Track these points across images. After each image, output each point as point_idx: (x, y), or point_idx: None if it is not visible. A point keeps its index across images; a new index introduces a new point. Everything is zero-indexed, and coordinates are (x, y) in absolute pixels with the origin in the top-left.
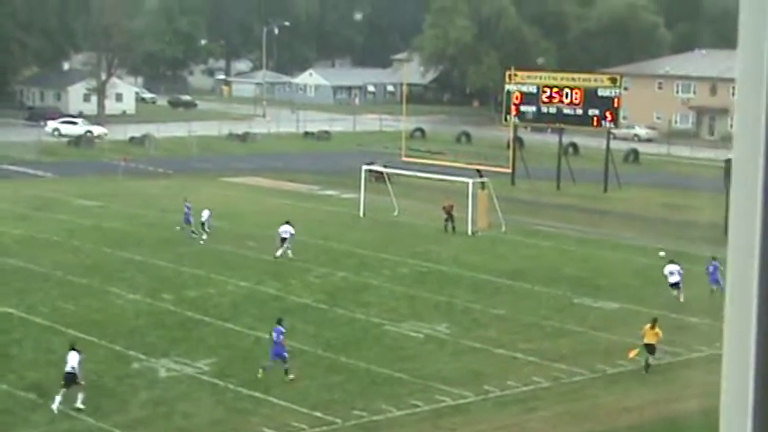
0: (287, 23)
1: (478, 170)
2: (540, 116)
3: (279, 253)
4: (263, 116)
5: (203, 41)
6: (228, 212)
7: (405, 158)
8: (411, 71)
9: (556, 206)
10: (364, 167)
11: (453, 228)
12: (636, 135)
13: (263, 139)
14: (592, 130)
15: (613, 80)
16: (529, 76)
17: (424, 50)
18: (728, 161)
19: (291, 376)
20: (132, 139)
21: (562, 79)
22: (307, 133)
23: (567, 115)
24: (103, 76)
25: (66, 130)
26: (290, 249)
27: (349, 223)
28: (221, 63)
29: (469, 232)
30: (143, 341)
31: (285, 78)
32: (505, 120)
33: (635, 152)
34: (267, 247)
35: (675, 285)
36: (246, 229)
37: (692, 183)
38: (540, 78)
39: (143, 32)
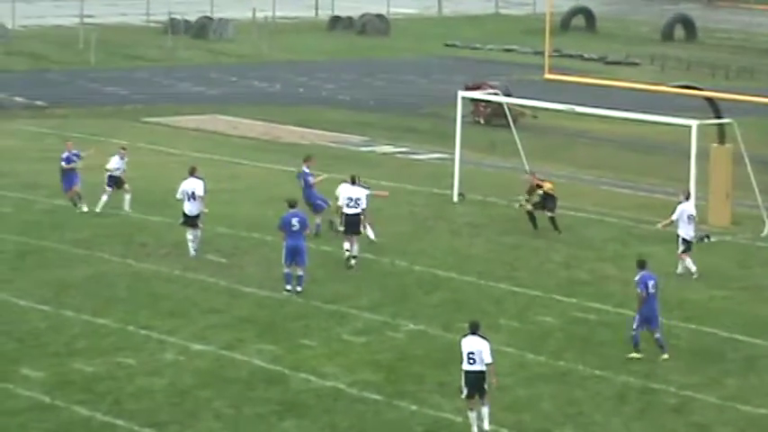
0: None
1: (710, 99)
2: None
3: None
4: None
5: None
6: (162, 189)
7: (548, 75)
8: None
9: None
10: (461, 94)
11: (557, 229)
12: None
13: (242, 32)
14: None
15: None
16: None
17: None
18: None
19: None
20: None
21: None
22: (336, 19)
23: None
24: None
25: None
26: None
27: (429, 217)
28: None
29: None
30: None
31: None
32: None
33: None
34: (244, 259)
35: None
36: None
37: None
38: None
39: None
